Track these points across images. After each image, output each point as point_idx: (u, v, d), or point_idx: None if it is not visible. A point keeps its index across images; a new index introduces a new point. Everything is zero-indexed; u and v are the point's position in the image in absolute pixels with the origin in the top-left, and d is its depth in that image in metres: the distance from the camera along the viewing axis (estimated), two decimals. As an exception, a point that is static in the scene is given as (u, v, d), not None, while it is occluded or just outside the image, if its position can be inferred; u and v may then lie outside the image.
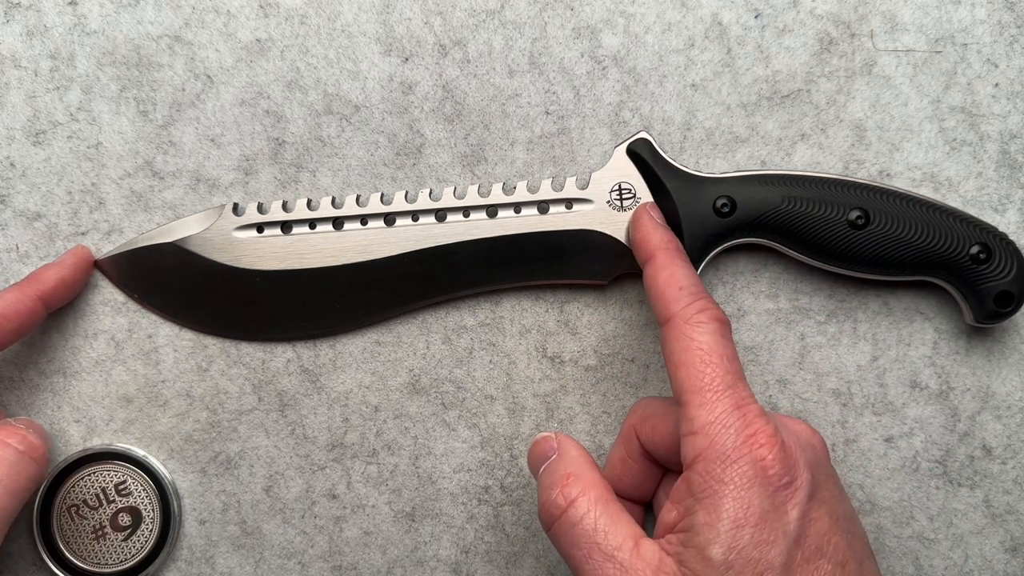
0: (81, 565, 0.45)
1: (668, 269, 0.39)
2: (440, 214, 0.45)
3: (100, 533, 0.45)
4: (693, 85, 0.46)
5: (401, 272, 0.45)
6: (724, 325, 0.37)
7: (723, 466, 0.34)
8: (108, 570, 0.45)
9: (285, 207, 0.45)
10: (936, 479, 0.45)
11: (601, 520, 0.36)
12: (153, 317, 0.46)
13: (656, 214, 0.42)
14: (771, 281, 0.46)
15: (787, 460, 0.34)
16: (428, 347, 0.46)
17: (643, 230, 0.41)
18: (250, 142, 0.46)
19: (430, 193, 0.45)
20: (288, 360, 0.46)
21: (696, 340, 0.36)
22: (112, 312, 0.46)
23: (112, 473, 0.45)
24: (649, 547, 0.35)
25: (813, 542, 0.34)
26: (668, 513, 0.35)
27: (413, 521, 0.46)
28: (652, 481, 0.42)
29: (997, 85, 0.45)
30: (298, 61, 0.46)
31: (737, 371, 0.36)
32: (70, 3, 0.46)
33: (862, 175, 0.46)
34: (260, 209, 0.45)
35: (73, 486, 0.45)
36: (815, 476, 0.35)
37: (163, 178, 0.46)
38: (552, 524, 0.37)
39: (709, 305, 0.37)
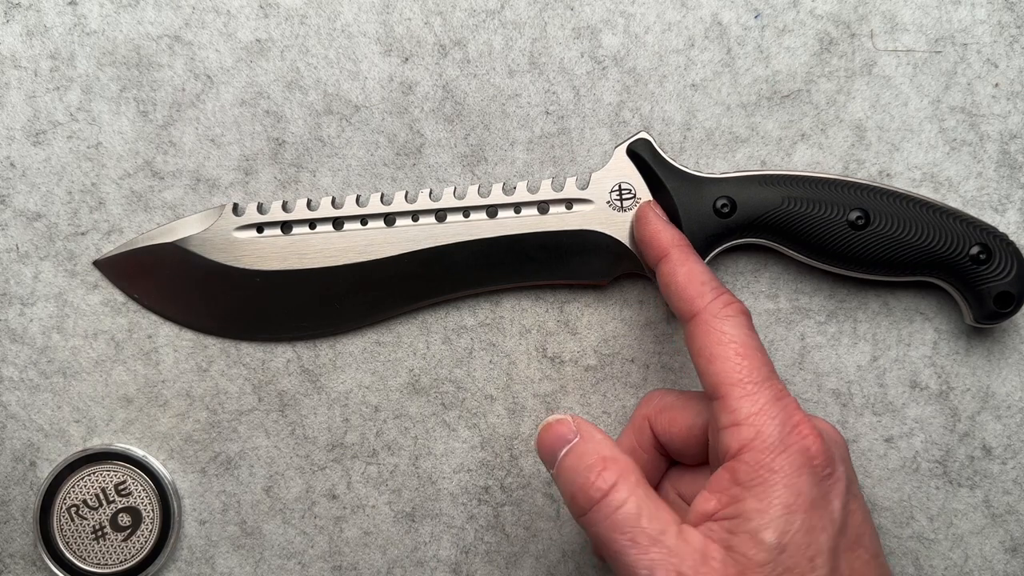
0: (81, 565, 0.45)
1: (685, 265, 0.39)
2: (440, 214, 0.45)
3: (100, 533, 0.45)
4: (693, 85, 0.46)
5: (401, 272, 0.45)
6: (749, 317, 0.38)
7: (772, 455, 0.34)
8: (108, 570, 0.45)
9: (285, 207, 0.45)
10: (936, 479, 0.45)
11: (644, 505, 0.35)
12: (153, 317, 0.46)
13: (660, 212, 0.43)
14: (771, 281, 0.46)
15: (828, 452, 0.35)
16: (428, 347, 0.46)
17: (651, 228, 0.42)
18: (250, 142, 0.46)
19: (430, 193, 0.45)
20: (288, 360, 0.46)
21: (728, 333, 0.37)
22: (112, 312, 0.46)
23: (112, 473, 0.45)
24: (691, 533, 0.35)
25: (853, 532, 0.35)
26: (706, 503, 0.35)
27: (413, 521, 0.46)
28: (659, 473, 0.42)
29: (997, 85, 0.45)
30: (298, 61, 0.46)
31: (770, 363, 0.37)
32: (70, 3, 0.46)
33: (862, 175, 0.46)
34: (260, 209, 0.45)
35: (73, 486, 0.45)
36: (847, 471, 0.36)
37: (163, 178, 0.46)
38: (589, 509, 0.36)
39: (733, 299, 0.38)
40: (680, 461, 0.41)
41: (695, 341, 0.37)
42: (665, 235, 0.41)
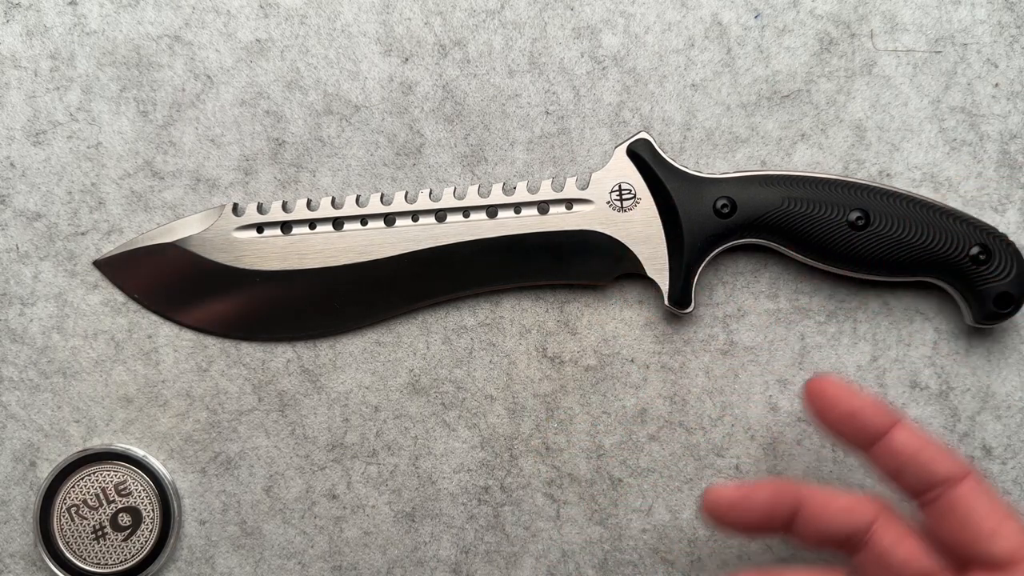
0: (81, 565, 0.45)
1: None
2: (440, 214, 0.45)
3: (100, 533, 0.45)
4: (693, 85, 0.46)
5: (401, 272, 0.45)
6: None
7: None
8: (108, 570, 0.45)
9: (285, 207, 0.45)
10: (936, 479, 0.45)
11: None
12: (153, 317, 0.46)
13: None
14: (771, 281, 0.46)
15: None
16: (428, 347, 0.46)
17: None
18: (250, 142, 0.46)
19: (430, 193, 0.45)
20: (288, 360, 0.46)
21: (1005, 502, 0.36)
22: (112, 312, 0.46)
23: (112, 473, 0.45)
24: None
25: None
26: None
27: (413, 521, 0.46)
28: None
29: (997, 85, 0.45)
30: (298, 61, 0.46)
31: None
32: (70, 3, 0.46)
33: (862, 175, 0.46)
34: (260, 209, 0.45)
35: (73, 486, 0.45)
36: None
37: (163, 178, 0.46)
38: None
39: None
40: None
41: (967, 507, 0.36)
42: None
